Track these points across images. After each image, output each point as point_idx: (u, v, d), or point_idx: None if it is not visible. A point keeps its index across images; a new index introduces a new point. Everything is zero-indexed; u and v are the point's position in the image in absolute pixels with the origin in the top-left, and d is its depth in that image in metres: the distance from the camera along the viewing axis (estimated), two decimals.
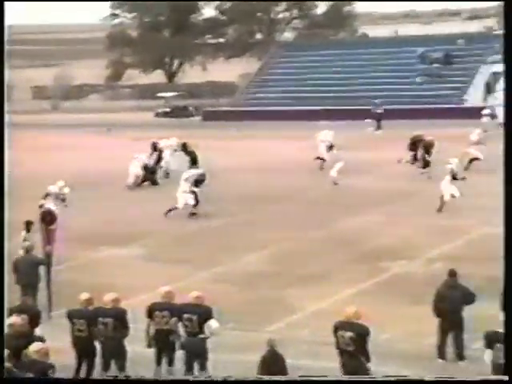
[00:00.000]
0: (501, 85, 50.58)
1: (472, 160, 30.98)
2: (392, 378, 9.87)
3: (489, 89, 50.83)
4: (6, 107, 11.36)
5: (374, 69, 55.69)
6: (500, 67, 52.15)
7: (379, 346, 11.94)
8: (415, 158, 31.33)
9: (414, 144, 31.52)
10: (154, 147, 32.76)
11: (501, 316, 11.71)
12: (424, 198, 26.71)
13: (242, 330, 15.08)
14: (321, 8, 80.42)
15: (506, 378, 9.52)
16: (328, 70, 57.35)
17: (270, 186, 29.61)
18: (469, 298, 13.73)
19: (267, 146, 40.69)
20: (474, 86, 52.11)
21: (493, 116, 45.98)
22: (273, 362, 11.40)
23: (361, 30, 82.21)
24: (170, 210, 25.08)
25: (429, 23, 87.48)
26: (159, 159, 32.34)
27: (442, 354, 13.71)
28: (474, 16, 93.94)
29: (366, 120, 47.03)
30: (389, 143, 37.43)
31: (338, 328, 11.74)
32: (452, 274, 14.06)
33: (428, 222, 23.36)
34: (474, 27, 73.04)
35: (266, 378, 10.55)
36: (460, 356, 13.60)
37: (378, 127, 46.65)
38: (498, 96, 49.19)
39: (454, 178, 25.39)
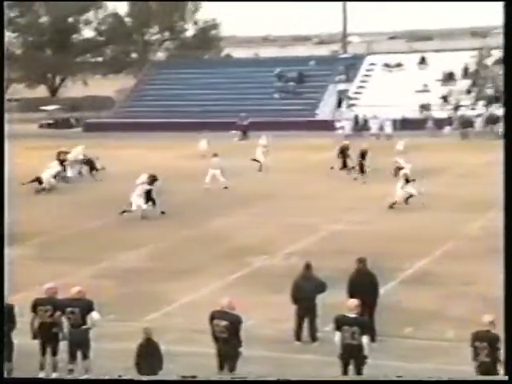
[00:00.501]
0: (346, 101, 51.90)
1: (400, 168, 29.56)
2: (392, 378, 9.65)
3: (339, 104, 51.84)
4: None
5: (237, 86, 56.04)
6: (344, 86, 53.59)
7: (246, 332, 12.07)
8: (345, 165, 31.07)
9: (342, 152, 31.23)
10: (58, 157, 32.88)
11: (350, 302, 12.06)
12: (283, 200, 27.13)
13: (122, 321, 14.95)
14: (190, 31, 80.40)
15: (506, 378, 9.19)
16: (197, 87, 57.36)
17: None
18: (321, 287, 14.03)
19: (143, 155, 40.39)
20: (323, 101, 53.18)
21: (343, 128, 47.17)
22: (148, 348, 11.38)
23: (225, 51, 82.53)
24: (124, 212, 24.72)
25: (284, 46, 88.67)
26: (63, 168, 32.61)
27: (298, 336, 13.96)
28: (322, 41, 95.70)
29: (232, 131, 47.38)
30: (253, 151, 37.64)
31: (213, 317, 11.81)
32: (307, 266, 14.33)
33: (286, 221, 23.72)
34: (322, 51, 74.50)
35: (267, 378, 10.38)
36: (313, 338, 13.87)
37: (244, 137, 47.17)
38: (344, 110, 50.49)
39: (408, 180, 25.45)
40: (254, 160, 33.90)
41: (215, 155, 31.02)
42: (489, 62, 51.29)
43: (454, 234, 21.30)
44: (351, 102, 50.79)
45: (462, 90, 49.01)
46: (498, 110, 44.43)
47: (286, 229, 22.74)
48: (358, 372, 11.47)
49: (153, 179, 25.41)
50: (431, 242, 20.46)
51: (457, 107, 46.58)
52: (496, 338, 10.78)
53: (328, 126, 47.97)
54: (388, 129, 45.59)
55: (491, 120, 43.79)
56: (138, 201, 24.81)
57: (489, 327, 10.89)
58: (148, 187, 25.11)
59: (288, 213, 24.89)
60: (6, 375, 11.10)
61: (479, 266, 18.22)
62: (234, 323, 11.65)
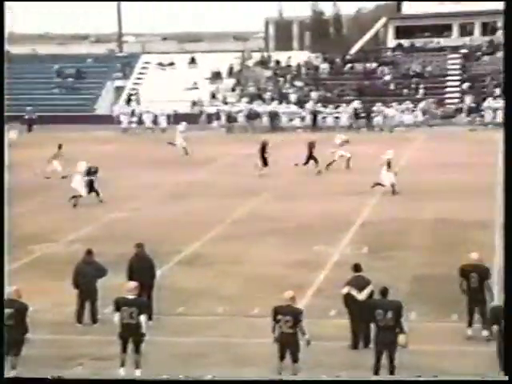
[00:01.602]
0: (124, 96, 51.38)
1: (331, 163, 29.19)
2: (391, 378, 9.34)
3: (129, 100, 50.88)
4: None
5: (17, 81, 53.74)
6: (121, 83, 53.14)
7: (31, 317, 11.72)
8: (264, 161, 28.96)
9: (263, 147, 29.23)
10: None
11: (129, 284, 12.02)
12: (66, 190, 26.30)
13: None
14: None
15: (506, 378, 8.85)
16: None
17: None
18: (101, 271, 13.92)
19: None
20: (102, 97, 52.49)
21: (120, 122, 46.74)
22: None
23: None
24: (75, 197, 23.43)
25: (62, 44, 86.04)
26: None
27: (79, 319, 13.73)
28: (99, 40, 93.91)
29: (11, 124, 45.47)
30: (36, 144, 36.38)
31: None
32: (88, 252, 14.18)
33: (69, 209, 23.17)
34: (99, 49, 73.16)
35: (266, 378, 9.81)
36: (94, 320, 13.72)
37: (29, 130, 45.94)
38: (122, 105, 49.97)
39: (389, 166, 24.48)
40: (170, 143, 34.26)
41: (60, 147, 29.35)
42: (250, 63, 52.94)
43: (223, 218, 21.84)
44: (132, 97, 50.21)
45: (227, 87, 50.25)
46: (259, 107, 46.04)
47: (69, 217, 22.24)
48: (137, 349, 11.50)
49: (95, 170, 24.28)
50: (203, 226, 20.87)
51: (224, 103, 47.68)
52: (299, 312, 11.11)
53: (106, 120, 47.49)
54: (163, 123, 45.85)
55: (252, 116, 45.27)
56: (78, 187, 23.78)
57: (290, 302, 11.15)
58: (89, 178, 24.06)
59: (71, 201, 24.28)
60: (5, 375, 10.00)
61: (245, 247, 18.86)
62: (20, 310, 11.36)
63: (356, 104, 44.15)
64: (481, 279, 12.58)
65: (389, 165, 24.60)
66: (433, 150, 33.99)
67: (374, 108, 43.85)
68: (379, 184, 24.63)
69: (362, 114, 43.81)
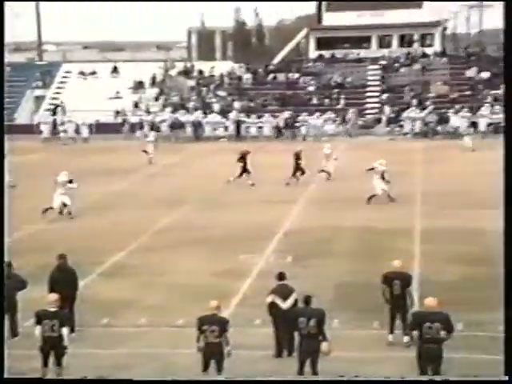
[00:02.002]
0: (44, 106, 50.47)
1: (322, 171, 28.80)
2: (391, 378, 9.09)
3: (54, 111, 49.82)
4: None
5: None
6: (41, 92, 52.15)
7: None
8: (245, 169, 28.18)
9: (242, 157, 28.37)
10: None
11: (50, 296, 11.78)
12: None
13: None
14: None
15: (506, 378, 8.70)
16: None
17: None
18: (21, 284, 13.61)
19: None
20: (21, 106, 51.50)
21: (41, 132, 45.90)
22: None
23: None
24: (46, 210, 22.88)
25: None
26: None
27: None
28: (18, 48, 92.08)
29: None
30: None
31: None
32: (7, 265, 13.72)
33: None
34: (18, 58, 71.68)
35: (265, 378, 9.41)
36: (14, 333, 13.38)
37: None
38: (42, 114, 49.04)
39: (383, 178, 24.35)
40: (144, 151, 34.46)
41: None
42: (173, 72, 52.78)
43: (146, 228, 21.65)
44: (58, 108, 49.17)
45: (150, 97, 49.97)
46: (183, 117, 45.86)
47: None
48: (58, 362, 11.29)
49: (70, 180, 23.66)
50: (126, 236, 20.65)
51: (147, 113, 47.36)
52: (225, 321, 11.04)
53: (27, 129, 46.64)
54: (85, 133, 45.23)
55: (175, 125, 45.09)
56: (62, 198, 23.23)
57: (215, 311, 11.08)
58: (70, 186, 23.45)
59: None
60: (6, 375, 9.45)
61: (170, 257, 18.74)
62: None
63: (287, 114, 44.57)
64: (403, 286, 12.81)
65: (382, 174, 24.68)
66: (354, 159, 34.55)
67: (299, 118, 44.34)
68: (374, 196, 24.39)
69: (282, 124, 44.20)
